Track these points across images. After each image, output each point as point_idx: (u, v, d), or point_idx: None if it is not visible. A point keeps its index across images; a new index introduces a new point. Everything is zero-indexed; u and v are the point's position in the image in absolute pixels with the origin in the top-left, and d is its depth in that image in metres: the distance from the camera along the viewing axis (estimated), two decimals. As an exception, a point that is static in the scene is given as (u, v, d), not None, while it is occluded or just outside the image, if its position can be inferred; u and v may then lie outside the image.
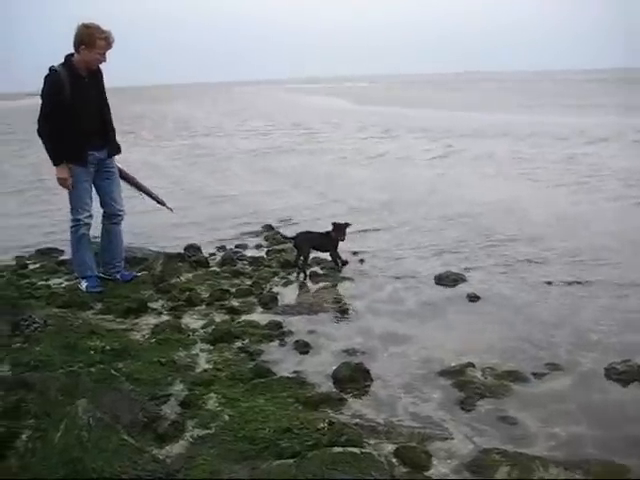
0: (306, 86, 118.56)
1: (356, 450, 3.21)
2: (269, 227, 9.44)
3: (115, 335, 5.16)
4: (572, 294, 6.20)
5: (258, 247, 8.46)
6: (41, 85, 5.89)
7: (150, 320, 5.68)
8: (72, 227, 6.25)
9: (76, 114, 5.89)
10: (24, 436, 3.40)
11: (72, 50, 5.91)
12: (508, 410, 4.00)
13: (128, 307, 5.84)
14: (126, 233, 6.94)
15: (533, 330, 5.32)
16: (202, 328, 5.48)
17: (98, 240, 6.66)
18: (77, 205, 6.17)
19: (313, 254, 7.41)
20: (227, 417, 3.80)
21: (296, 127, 28.36)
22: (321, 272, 7.19)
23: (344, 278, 6.95)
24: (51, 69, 5.85)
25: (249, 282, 6.77)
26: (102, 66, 6.15)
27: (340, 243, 7.27)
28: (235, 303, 6.13)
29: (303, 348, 5.02)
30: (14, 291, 6.16)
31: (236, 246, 8.47)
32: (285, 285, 6.75)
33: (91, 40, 5.81)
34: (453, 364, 4.64)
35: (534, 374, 4.50)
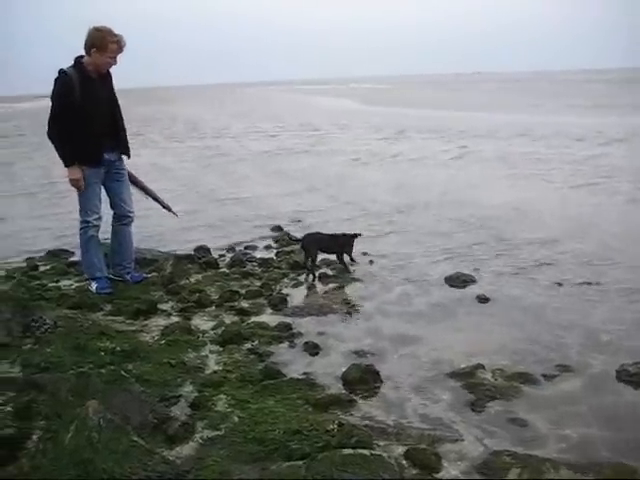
0: (312, 87, 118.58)
1: (366, 452, 3.21)
2: (279, 228, 9.45)
3: (125, 336, 5.18)
4: (583, 295, 6.17)
5: (268, 248, 8.46)
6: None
7: (160, 321, 5.69)
8: (81, 229, 6.28)
9: (87, 116, 5.92)
10: (35, 437, 3.43)
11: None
12: (518, 412, 3.99)
13: (138, 308, 5.85)
14: (136, 235, 6.97)
15: (543, 331, 5.29)
16: (212, 329, 5.49)
17: (108, 241, 6.69)
18: (86, 207, 6.20)
19: (323, 255, 7.41)
20: (237, 418, 3.80)
21: (306, 128, 28.30)
22: (331, 273, 7.18)
23: (354, 279, 6.95)
24: (60, 71, 5.88)
25: (259, 283, 6.77)
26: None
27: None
28: (245, 304, 6.14)
29: (313, 349, 5.02)
30: (25, 292, 6.18)
31: (245, 247, 8.48)
32: (295, 286, 6.75)
33: (103, 43, 5.84)
34: (463, 366, 4.63)
35: (544, 376, 4.48)
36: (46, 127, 5.97)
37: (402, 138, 22.86)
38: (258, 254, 8.13)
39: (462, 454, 3.51)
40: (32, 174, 17.00)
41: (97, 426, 3.15)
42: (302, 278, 7.00)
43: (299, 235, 7.68)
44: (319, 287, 6.82)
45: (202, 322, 5.69)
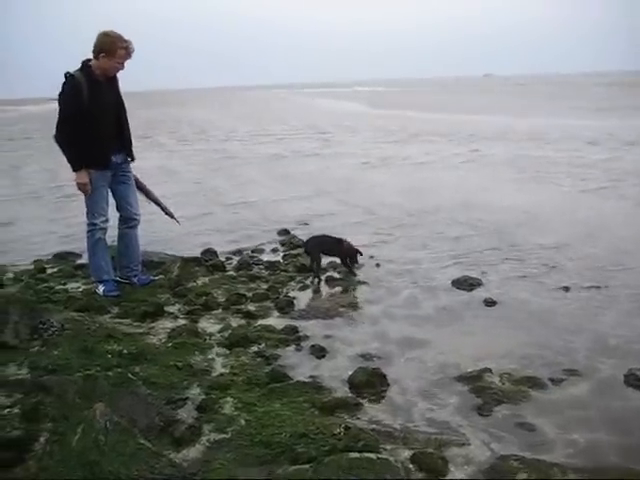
0: (315, 90, 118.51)
1: (372, 456, 3.21)
2: (285, 232, 9.44)
3: (132, 339, 5.19)
4: (591, 299, 6.15)
5: (274, 251, 8.46)
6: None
7: (167, 324, 5.70)
8: (88, 231, 6.30)
9: (95, 119, 5.95)
10: (42, 439, 3.44)
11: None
12: (526, 416, 3.98)
13: (145, 311, 5.86)
14: (143, 237, 6.98)
15: (551, 335, 5.28)
16: (218, 332, 5.49)
17: (115, 244, 6.70)
18: (93, 210, 6.22)
19: (330, 259, 7.41)
20: (243, 421, 3.80)
21: (313, 131, 28.30)
22: (337, 276, 7.17)
23: (360, 282, 6.94)
24: (68, 74, 5.90)
25: (265, 286, 6.77)
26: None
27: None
28: (251, 307, 6.14)
29: (319, 353, 5.02)
30: (32, 295, 6.20)
31: (252, 250, 8.48)
32: (301, 289, 6.75)
33: (112, 49, 5.87)
34: (470, 369, 4.62)
35: (552, 380, 4.46)
36: (53, 130, 5.99)
37: (411, 141, 22.76)
38: (265, 257, 8.13)
39: (469, 458, 3.50)
40: (39, 177, 17.07)
41: (104, 428, 3.16)
42: (309, 281, 6.99)
43: (305, 238, 7.68)
44: (326, 290, 6.81)
45: (209, 325, 5.70)
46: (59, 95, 5.96)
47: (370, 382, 4.39)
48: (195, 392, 4.26)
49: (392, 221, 10.03)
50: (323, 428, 3.58)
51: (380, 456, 3.25)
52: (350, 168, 16.49)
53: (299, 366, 4.79)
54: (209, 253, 8.03)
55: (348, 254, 7.25)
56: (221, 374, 4.59)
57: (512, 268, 7.23)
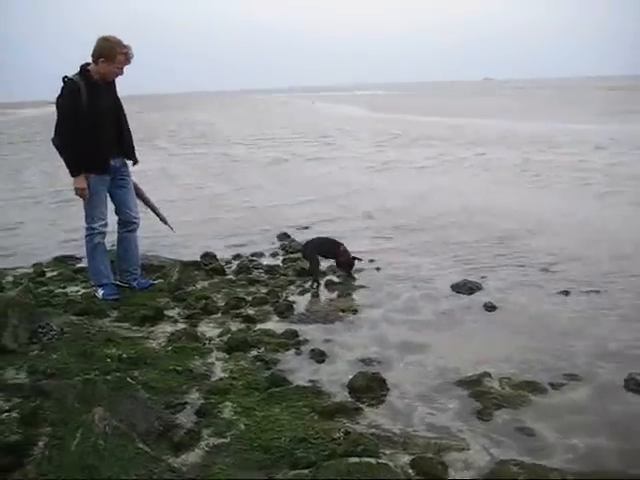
0: (315, 94, 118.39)
1: (372, 460, 3.20)
2: (285, 236, 9.44)
3: (131, 343, 5.18)
4: (590, 303, 6.14)
5: (274, 255, 8.45)
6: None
7: (166, 328, 5.70)
8: (87, 236, 6.30)
9: (94, 123, 5.95)
10: (41, 443, 3.44)
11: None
12: (526, 421, 3.97)
13: (144, 315, 5.86)
14: (143, 241, 6.98)
15: (551, 340, 5.27)
16: (218, 336, 5.48)
17: (114, 248, 6.70)
18: (92, 214, 6.22)
19: (330, 262, 7.41)
20: (243, 426, 3.80)
21: (316, 135, 28.24)
22: (337, 280, 7.17)
23: (360, 286, 6.93)
24: (66, 78, 5.90)
25: (265, 290, 6.77)
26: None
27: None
28: (251, 311, 6.13)
29: (319, 357, 5.02)
30: (32, 299, 6.19)
31: (252, 254, 8.47)
32: (301, 293, 6.74)
33: (111, 54, 5.89)
34: (470, 374, 4.60)
35: (552, 384, 4.45)
36: (52, 134, 6.00)
37: (414, 145, 22.68)
38: (264, 261, 8.13)
39: (468, 463, 3.49)
40: (38, 181, 17.10)
41: (103, 433, 3.15)
42: (308, 285, 6.98)
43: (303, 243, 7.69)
44: (325, 294, 6.81)
45: (208, 329, 5.69)
46: (57, 99, 5.96)
47: (370, 387, 4.38)
48: (194, 396, 4.26)
49: (393, 225, 10.02)
50: (323, 433, 3.57)
51: (380, 461, 3.25)
52: (353, 172, 16.48)
53: (299, 370, 4.78)
54: (209, 257, 8.03)
55: (344, 258, 7.24)
56: (220, 378, 4.58)
57: (512, 272, 7.22)
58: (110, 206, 6.43)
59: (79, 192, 6.09)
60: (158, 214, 7.02)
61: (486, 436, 3.80)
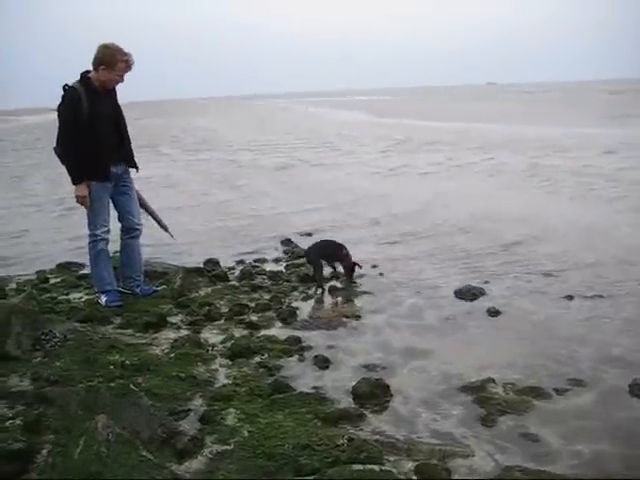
0: (315, 99, 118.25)
1: (376, 467, 3.20)
2: (288, 241, 9.44)
3: (134, 350, 5.18)
4: (594, 308, 6.13)
5: (277, 261, 8.45)
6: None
7: (169, 335, 5.69)
8: (90, 242, 6.31)
9: (95, 130, 5.96)
10: (44, 451, 3.44)
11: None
12: (530, 427, 3.95)
13: (147, 321, 5.86)
14: (146, 247, 6.98)
15: (555, 345, 5.25)
16: (221, 343, 5.48)
17: (118, 255, 6.71)
18: (95, 220, 6.23)
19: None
20: (246, 433, 3.79)
21: (320, 141, 28.15)
22: (340, 286, 7.17)
23: (363, 292, 6.93)
24: (65, 87, 5.92)
25: (268, 297, 6.76)
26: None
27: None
28: (254, 318, 6.13)
29: (322, 363, 5.00)
30: (35, 305, 6.20)
31: (255, 260, 8.47)
32: (304, 300, 6.74)
33: (112, 61, 5.91)
34: (474, 380, 4.59)
35: (556, 390, 4.44)
36: (54, 143, 6.02)
37: (420, 150, 22.50)
38: (267, 267, 8.13)
39: (473, 469, 3.48)
40: (42, 188, 17.11)
41: (106, 440, 3.15)
42: (311, 291, 6.98)
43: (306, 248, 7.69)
44: (328, 300, 6.81)
45: (211, 335, 5.69)
46: (58, 107, 5.98)
47: (373, 393, 4.37)
48: (198, 403, 4.25)
49: (399, 232, 9.97)
50: (326, 439, 3.57)
51: (383, 468, 3.24)
52: (359, 178, 16.42)
53: (302, 377, 4.77)
54: (211, 263, 8.02)
55: (347, 262, 7.23)
56: (224, 385, 4.57)
57: (516, 277, 7.21)
58: (113, 213, 6.44)
59: (80, 200, 6.10)
60: (159, 222, 7.03)
61: (490, 442, 3.78)
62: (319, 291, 6.97)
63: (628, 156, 17.79)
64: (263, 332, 5.76)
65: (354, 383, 4.50)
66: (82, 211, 6.41)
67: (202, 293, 6.94)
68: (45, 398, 3.96)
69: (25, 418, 3.73)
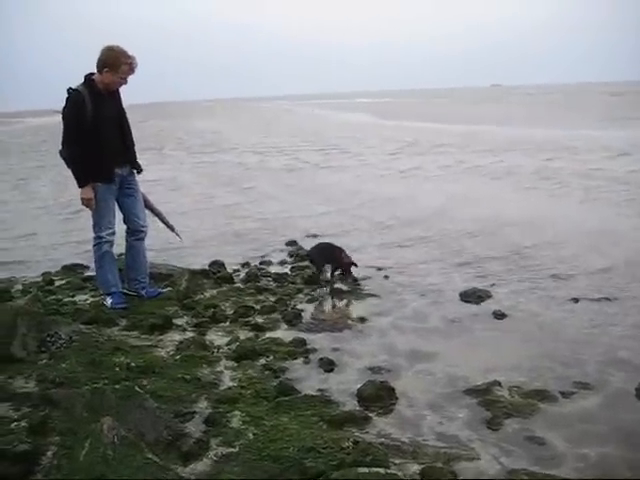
0: (318, 101, 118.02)
1: (381, 470, 3.19)
2: (293, 243, 9.44)
3: (140, 352, 5.18)
4: (601, 311, 6.11)
5: (282, 263, 8.45)
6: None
7: (175, 337, 5.69)
8: (95, 245, 6.33)
9: (99, 132, 5.98)
10: (50, 453, 3.43)
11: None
12: (536, 430, 3.94)
13: (153, 323, 5.86)
14: (151, 249, 6.98)
15: (561, 348, 5.24)
16: (226, 345, 5.48)
17: (123, 257, 6.72)
18: (100, 223, 6.24)
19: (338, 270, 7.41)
20: (251, 435, 3.78)
21: (327, 143, 28.09)
22: (345, 289, 7.16)
23: (368, 294, 6.92)
24: (71, 90, 5.93)
25: (273, 299, 6.77)
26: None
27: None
28: (259, 320, 6.13)
29: (327, 366, 5.00)
30: (41, 307, 6.21)
31: (260, 262, 8.48)
32: (309, 302, 6.73)
33: (116, 64, 5.93)
34: (479, 382, 4.58)
35: (562, 393, 4.43)
36: (59, 146, 6.03)
37: (431, 153, 22.33)
38: (273, 269, 8.13)
39: (478, 472, 3.47)
40: (48, 191, 17.16)
41: (111, 442, 3.15)
42: (317, 293, 6.98)
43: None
44: (334, 302, 6.80)
45: (217, 337, 5.69)
46: (63, 110, 5.99)
47: (379, 395, 4.36)
48: (203, 405, 4.25)
49: (406, 235, 9.94)
50: (332, 442, 3.55)
51: (389, 471, 3.23)
52: (368, 181, 16.35)
53: (307, 379, 4.77)
54: (217, 265, 8.03)
55: (344, 264, 7.23)
56: (229, 387, 4.57)
57: (521, 280, 7.19)
58: (118, 215, 6.45)
59: (85, 202, 6.12)
60: (166, 222, 7.04)
61: (496, 445, 3.77)
62: (324, 291, 6.96)
63: (639, 159, 17.61)
64: (268, 334, 5.76)
65: (359, 386, 4.49)
66: (88, 214, 6.43)
67: (207, 295, 6.94)
68: (50, 400, 3.96)
69: (30, 420, 3.73)
